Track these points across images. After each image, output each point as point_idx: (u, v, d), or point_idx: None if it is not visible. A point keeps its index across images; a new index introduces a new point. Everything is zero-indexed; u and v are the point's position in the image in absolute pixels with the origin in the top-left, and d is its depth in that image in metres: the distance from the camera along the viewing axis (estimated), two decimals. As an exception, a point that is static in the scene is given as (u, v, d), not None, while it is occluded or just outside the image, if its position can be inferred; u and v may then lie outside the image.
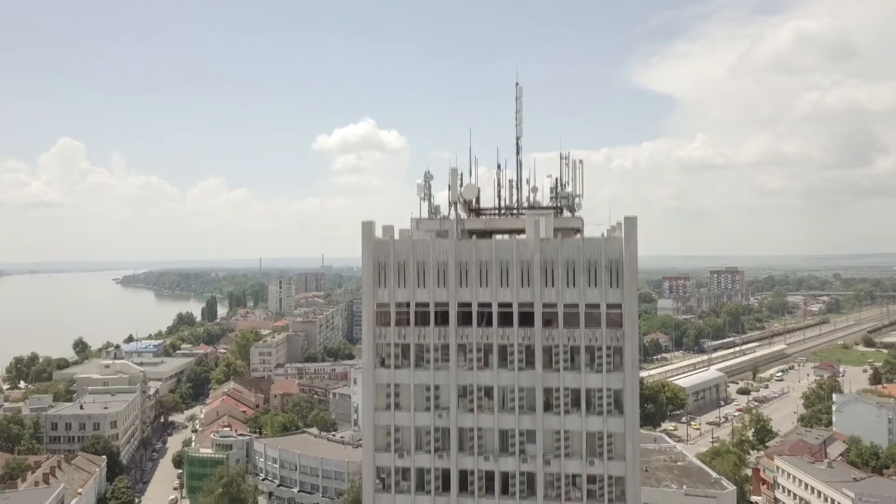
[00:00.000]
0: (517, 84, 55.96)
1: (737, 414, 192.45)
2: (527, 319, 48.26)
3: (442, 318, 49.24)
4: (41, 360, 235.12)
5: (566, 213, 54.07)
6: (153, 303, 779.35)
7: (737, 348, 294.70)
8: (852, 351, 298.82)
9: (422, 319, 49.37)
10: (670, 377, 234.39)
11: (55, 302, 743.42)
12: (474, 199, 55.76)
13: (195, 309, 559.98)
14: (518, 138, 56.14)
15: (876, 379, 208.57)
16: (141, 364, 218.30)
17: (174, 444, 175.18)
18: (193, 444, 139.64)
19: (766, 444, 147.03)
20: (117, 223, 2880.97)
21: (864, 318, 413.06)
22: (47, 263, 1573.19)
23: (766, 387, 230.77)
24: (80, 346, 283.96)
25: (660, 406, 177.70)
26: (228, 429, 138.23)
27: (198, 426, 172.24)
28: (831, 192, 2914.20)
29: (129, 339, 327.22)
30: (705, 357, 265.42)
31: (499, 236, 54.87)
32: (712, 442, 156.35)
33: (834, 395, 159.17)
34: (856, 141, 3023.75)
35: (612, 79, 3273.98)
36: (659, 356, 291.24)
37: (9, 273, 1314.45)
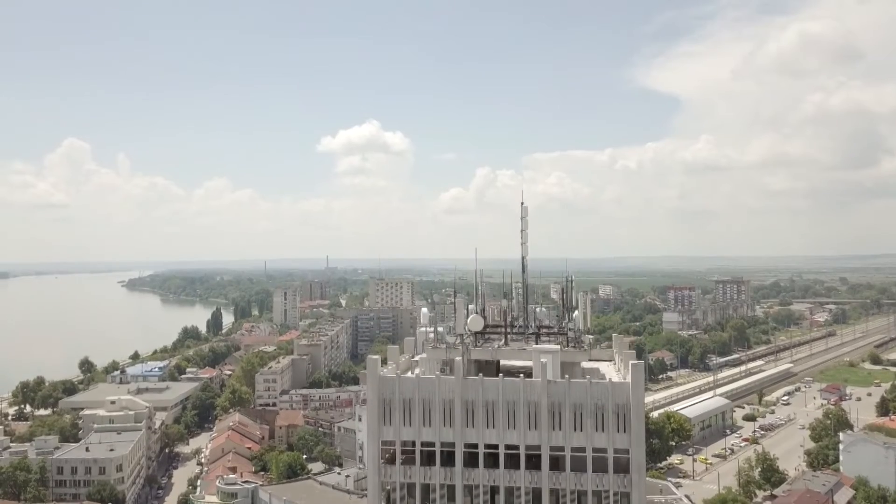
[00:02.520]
0: (522, 203, 55.43)
1: (743, 445, 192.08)
2: (534, 462, 47.86)
3: (448, 459, 48.83)
4: (47, 384, 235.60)
5: (571, 340, 53.51)
6: (159, 308, 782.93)
7: (743, 367, 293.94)
8: (859, 369, 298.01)
9: (427, 459, 48.98)
10: (675, 401, 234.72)
11: (61, 307, 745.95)
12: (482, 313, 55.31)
13: (200, 315, 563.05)
14: (524, 257, 55.65)
15: (883, 408, 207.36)
16: (146, 390, 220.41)
17: (180, 477, 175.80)
18: (199, 489, 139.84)
19: (772, 483, 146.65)
20: (123, 224, 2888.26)
21: (870, 330, 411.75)
22: (54, 265, 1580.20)
23: (773, 412, 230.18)
24: (86, 366, 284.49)
25: (665, 441, 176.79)
26: (234, 475, 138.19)
27: (203, 460, 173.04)
28: (836, 192, 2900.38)
29: (135, 356, 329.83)
30: (711, 378, 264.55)
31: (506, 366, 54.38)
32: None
33: (841, 435, 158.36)
34: (861, 142, 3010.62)
35: (615, 79, 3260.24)
36: (664, 376, 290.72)
37: (15, 275, 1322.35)
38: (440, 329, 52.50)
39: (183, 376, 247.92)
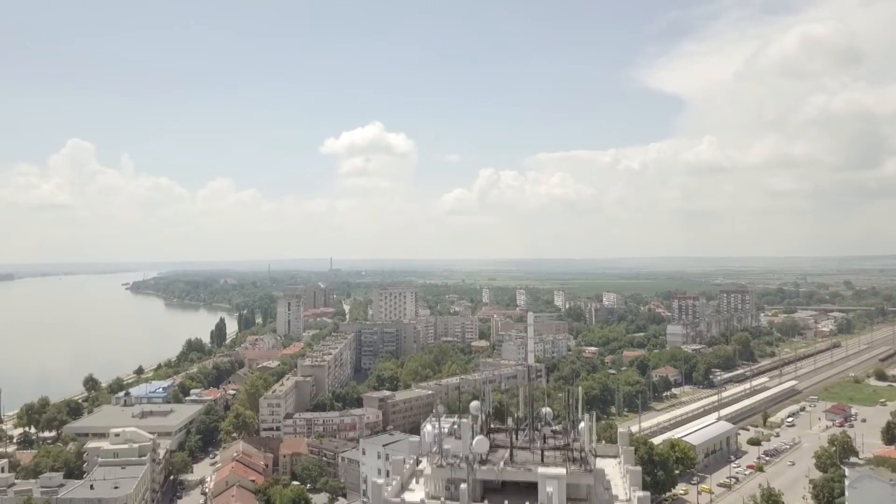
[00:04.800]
0: (528, 319, 54.94)
1: (748, 472, 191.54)
2: (539, 592, 47.49)
3: (453, 587, 48.51)
4: (51, 406, 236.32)
5: (576, 461, 53.04)
6: (163, 313, 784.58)
7: (747, 385, 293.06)
8: (864, 386, 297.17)
9: (432, 586, 48.66)
10: (680, 424, 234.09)
11: (65, 311, 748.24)
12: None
13: (204, 321, 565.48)
14: (529, 366, 55.18)
15: (889, 434, 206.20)
16: (151, 413, 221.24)
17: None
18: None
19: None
20: (127, 224, 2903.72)
21: (875, 341, 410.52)
22: (58, 265, 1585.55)
23: (777, 434, 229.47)
24: (91, 383, 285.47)
25: (669, 471, 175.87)
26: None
27: (207, 490, 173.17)
28: (840, 194, 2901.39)
29: (139, 371, 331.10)
30: (715, 397, 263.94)
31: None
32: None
33: (847, 470, 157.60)
34: (864, 143, 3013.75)
35: (619, 79, 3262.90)
36: (668, 393, 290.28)
37: (20, 276, 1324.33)
38: (445, 445, 52.07)
39: (187, 398, 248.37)
